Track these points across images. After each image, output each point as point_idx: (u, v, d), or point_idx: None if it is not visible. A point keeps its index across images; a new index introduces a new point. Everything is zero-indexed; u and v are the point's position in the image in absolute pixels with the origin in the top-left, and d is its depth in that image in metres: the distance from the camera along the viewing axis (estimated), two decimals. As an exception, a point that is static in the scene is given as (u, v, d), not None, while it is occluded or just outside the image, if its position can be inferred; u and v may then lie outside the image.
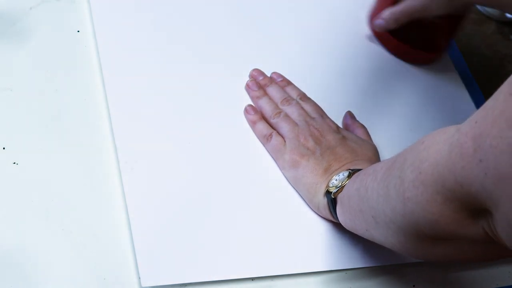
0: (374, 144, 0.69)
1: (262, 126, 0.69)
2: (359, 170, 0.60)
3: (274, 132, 0.68)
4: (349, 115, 0.73)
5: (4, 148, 0.62)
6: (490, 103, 0.41)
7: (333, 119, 0.71)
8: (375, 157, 0.67)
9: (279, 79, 0.74)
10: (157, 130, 0.67)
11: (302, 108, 0.70)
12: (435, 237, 0.47)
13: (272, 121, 0.69)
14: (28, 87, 0.67)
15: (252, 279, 0.60)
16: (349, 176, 0.60)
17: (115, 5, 0.75)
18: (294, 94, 0.73)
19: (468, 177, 0.41)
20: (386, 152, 0.70)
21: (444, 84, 0.82)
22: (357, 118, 0.73)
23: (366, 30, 0.84)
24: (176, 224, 0.61)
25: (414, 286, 0.65)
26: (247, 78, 0.74)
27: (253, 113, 0.70)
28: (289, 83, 0.74)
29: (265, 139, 0.69)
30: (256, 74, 0.74)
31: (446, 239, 0.47)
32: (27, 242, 0.57)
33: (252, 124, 0.70)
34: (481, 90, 0.82)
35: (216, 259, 0.60)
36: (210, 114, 0.70)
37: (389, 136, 0.74)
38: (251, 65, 0.75)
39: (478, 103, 0.80)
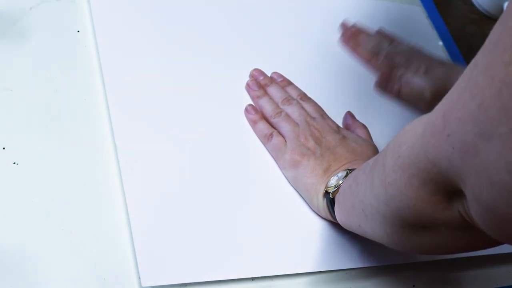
0: (374, 144, 0.69)
1: (262, 126, 0.70)
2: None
3: (275, 131, 0.69)
4: (349, 115, 0.74)
5: (4, 148, 0.62)
6: (459, 79, 0.41)
7: (333, 118, 0.71)
8: (373, 155, 0.67)
9: (280, 79, 0.75)
10: (157, 130, 0.67)
11: (303, 108, 0.71)
12: (417, 225, 0.48)
13: (273, 120, 0.70)
14: (28, 87, 0.67)
15: (252, 279, 0.60)
16: (347, 175, 0.61)
17: (115, 5, 0.75)
18: (294, 94, 0.73)
19: (438, 154, 0.41)
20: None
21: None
22: (358, 118, 0.73)
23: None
24: (176, 224, 0.61)
25: (414, 286, 0.65)
26: (247, 78, 0.74)
27: (253, 113, 0.71)
28: (289, 83, 0.75)
29: (265, 139, 0.69)
30: (256, 74, 0.75)
31: (427, 226, 0.47)
32: (27, 242, 0.57)
33: (253, 123, 0.70)
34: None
35: (216, 259, 0.60)
36: (210, 114, 0.70)
37: (391, 135, 0.74)
38: (251, 65, 0.75)
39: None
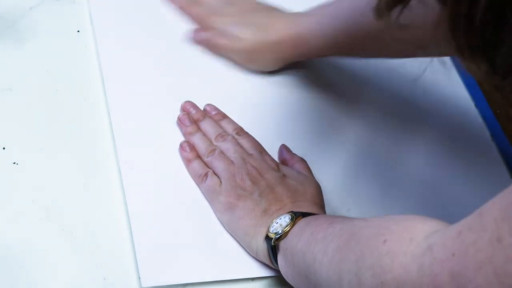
0: (316, 181, 0.64)
1: (196, 165, 0.64)
2: (302, 213, 0.57)
3: (210, 171, 0.63)
4: (285, 149, 0.68)
5: (4, 148, 0.62)
6: (471, 236, 0.38)
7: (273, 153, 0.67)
8: (318, 195, 0.63)
9: (214, 112, 0.69)
10: (157, 130, 0.67)
11: (239, 144, 0.65)
12: None
13: (206, 159, 0.64)
14: (28, 87, 0.67)
15: (252, 279, 0.60)
16: (292, 220, 0.56)
17: (114, 5, 0.75)
18: (230, 129, 0.67)
19: None
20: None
21: (445, 85, 0.82)
22: (300, 149, 0.68)
23: None
24: (176, 224, 0.61)
25: (414, 286, 0.64)
26: (248, 78, 0.74)
27: (188, 151, 0.65)
28: (224, 116, 0.69)
29: (199, 179, 0.63)
30: (188, 107, 0.68)
31: None
32: (27, 242, 0.57)
33: (187, 162, 0.64)
34: (481, 90, 0.82)
35: (216, 259, 0.60)
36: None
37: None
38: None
39: (478, 102, 0.80)
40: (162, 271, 0.58)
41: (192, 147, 0.65)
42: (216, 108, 0.69)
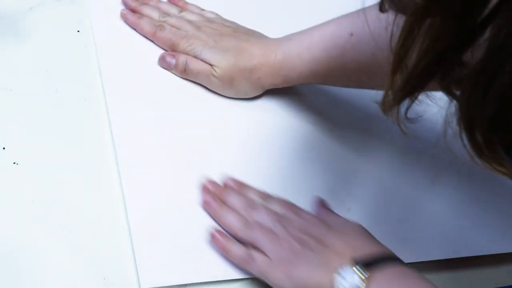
0: (358, 223, 0.61)
1: (237, 251, 0.59)
2: (370, 265, 0.54)
3: (252, 250, 0.59)
4: (320, 203, 0.65)
5: (4, 148, 0.62)
6: None
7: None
8: (365, 231, 0.60)
9: (235, 185, 0.65)
10: (156, 130, 0.67)
11: (271, 210, 0.62)
12: None
13: (244, 234, 0.60)
14: (28, 87, 0.67)
15: (252, 279, 0.60)
16: (362, 277, 0.53)
17: (114, 5, 0.75)
18: (255, 197, 0.63)
19: None
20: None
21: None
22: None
23: None
24: (176, 225, 0.61)
25: (414, 286, 0.64)
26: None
27: (221, 239, 0.60)
28: (245, 186, 0.65)
29: (246, 264, 0.59)
30: (209, 186, 0.64)
31: None
32: (27, 242, 0.57)
33: (225, 253, 0.60)
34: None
35: (216, 259, 0.60)
36: (210, 114, 0.70)
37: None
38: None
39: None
40: (161, 272, 0.58)
41: (223, 234, 0.60)
42: (235, 180, 0.65)
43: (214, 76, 0.69)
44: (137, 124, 0.67)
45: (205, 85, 0.71)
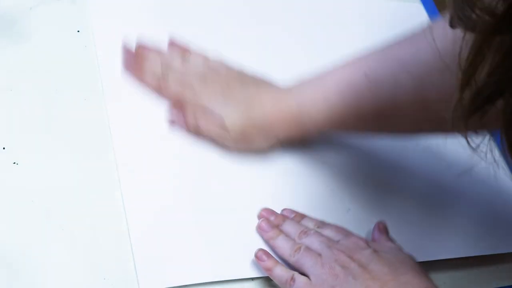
0: (410, 254, 0.61)
1: (280, 271, 0.59)
2: None
3: (295, 273, 0.59)
4: (380, 227, 0.64)
5: (4, 148, 0.62)
6: None
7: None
8: (417, 264, 0.59)
9: (292, 215, 0.65)
10: (156, 131, 0.67)
11: (323, 235, 0.62)
12: None
13: (293, 259, 0.60)
14: (28, 87, 0.67)
15: (252, 279, 0.60)
16: None
17: (114, 5, 0.75)
18: (311, 224, 0.63)
19: None
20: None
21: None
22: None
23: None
24: (175, 225, 0.61)
25: (414, 286, 0.64)
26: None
27: (266, 259, 0.60)
28: (302, 216, 0.65)
29: (287, 285, 0.58)
30: (266, 214, 0.64)
31: None
32: (27, 242, 0.57)
33: (268, 272, 0.60)
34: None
35: (215, 259, 0.60)
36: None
37: None
38: (254, 64, 0.75)
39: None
40: (161, 274, 0.58)
41: (269, 255, 0.61)
42: (293, 211, 0.65)
43: (225, 131, 0.65)
44: (137, 124, 0.67)
45: (215, 141, 0.66)
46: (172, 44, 0.71)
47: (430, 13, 0.95)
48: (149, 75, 0.68)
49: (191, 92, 0.67)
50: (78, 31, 0.72)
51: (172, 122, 0.66)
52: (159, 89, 0.68)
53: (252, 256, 0.61)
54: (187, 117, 0.66)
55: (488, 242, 0.68)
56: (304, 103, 0.64)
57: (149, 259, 0.58)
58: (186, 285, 0.58)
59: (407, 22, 0.90)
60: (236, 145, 0.66)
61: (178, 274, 0.58)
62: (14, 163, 0.61)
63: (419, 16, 0.93)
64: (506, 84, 0.37)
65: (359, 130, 0.67)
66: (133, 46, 0.70)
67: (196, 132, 0.66)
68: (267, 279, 0.60)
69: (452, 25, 0.39)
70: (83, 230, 0.59)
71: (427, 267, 0.65)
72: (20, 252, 0.57)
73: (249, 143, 0.66)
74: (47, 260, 0.57)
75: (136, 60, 0.69)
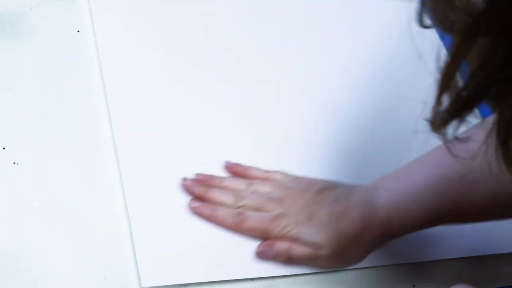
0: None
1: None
2: None
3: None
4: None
5: (4, 148, 0.62)
6: None
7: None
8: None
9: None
10: (157, 129, 0.67)
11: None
12: None
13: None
14: (28, 87, 0.67)
15: (252, 279, 0.60)
16: None
17: (115, 5, 0.75)
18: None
19: None
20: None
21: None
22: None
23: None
24: (176, 224, 0.61)
25: (414, 286, 0.65)
26: (253, 77, 0.72)
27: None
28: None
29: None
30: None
31: None
32: (27, 242, 0.57)
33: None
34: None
35: (216, 259, 0.60)
36: (211, 114, 0.70)
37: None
38: (255, 65, 0.75)
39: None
40: (162, 271, 0.58)
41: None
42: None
43: (322, 256, 0.60)
44: (138, 124, 0.67)
45: (307, 267, 0.62)
46: (228, 167, 0.66)
47: (430, 13, 0.94)
48: (225, 213, 0.62)
49: (275, 224, 0.61)
50: (78, 31, 0.72)
51: (262, 253, 0.61)
52: (239, 228, 0.62)
53: (252, 256, 0.61)
54: (278, 250, 0.61)
55: (488, 242, 0.68)
56: (394, 208, 0.61)
57: (150, 257, 0.58)
58: (186, 285, 0.58)
59: (407, 22, 0.90)
60: (333, 265, 0.63)
61: (178, 273, 0.58)
62: (14, 163, 0.61)
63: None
64: (485, 90, 0.36)
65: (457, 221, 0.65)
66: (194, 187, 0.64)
67: (289, 264, 0.62)
68: (267, 279, 0.60)
69: (422, 24, 0.38)
70: (83, 230, 0.59)
71: (427, 267, 0.65)
72: (20, 252, 0.57)
73: (345, 261, 0.63)
74: (47, 260, 0.57)
75: (201, 195, 0.63)
